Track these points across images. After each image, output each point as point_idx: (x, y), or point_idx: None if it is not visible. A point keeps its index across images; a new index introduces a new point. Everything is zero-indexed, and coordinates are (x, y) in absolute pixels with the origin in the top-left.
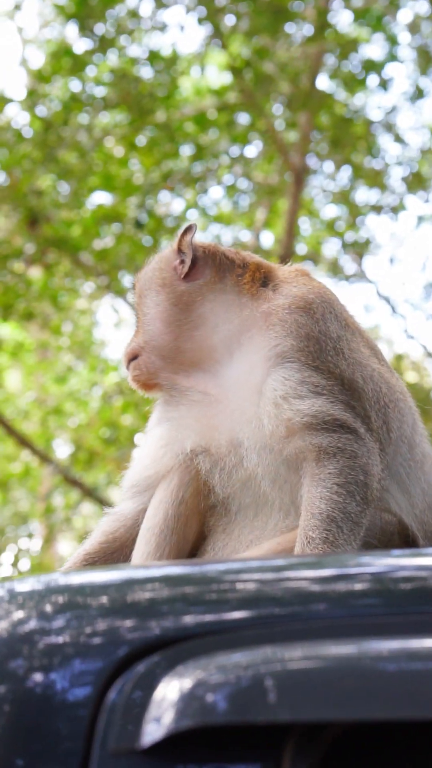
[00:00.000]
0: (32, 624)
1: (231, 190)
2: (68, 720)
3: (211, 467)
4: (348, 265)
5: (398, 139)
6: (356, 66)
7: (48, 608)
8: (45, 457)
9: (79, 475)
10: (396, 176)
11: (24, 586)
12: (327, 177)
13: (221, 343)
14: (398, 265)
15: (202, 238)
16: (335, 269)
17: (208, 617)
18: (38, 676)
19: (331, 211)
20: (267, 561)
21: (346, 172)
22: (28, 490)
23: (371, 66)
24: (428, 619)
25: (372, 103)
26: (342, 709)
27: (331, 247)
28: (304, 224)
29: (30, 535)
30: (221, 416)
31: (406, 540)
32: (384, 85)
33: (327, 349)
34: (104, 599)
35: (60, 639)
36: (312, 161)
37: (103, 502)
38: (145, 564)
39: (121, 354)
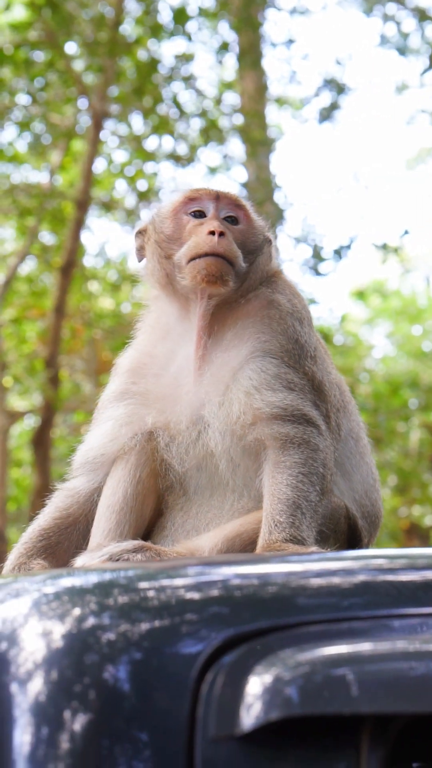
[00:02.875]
0: (120, 618)
1: (24, 127)
2: (167, 708)
3: (169, 442)
4: (144, 213)
5: (194, 89)
6: (163, 14)
7: (131, 603)
8: None
9: None
10: (194, 126)
11: (118, 578)
12: (120, 121)
13: (247, 296)
14: None
15: None
16: (131, 217)
17: (292, 612)
18: (128, 668)
19: (121, 156)
20: (350, 561)
21: (141, 117)
22: None
23: (178, 15)
24: None
25: (171, 52)
26: (417, 702)
27: (120, 191)
28: (96, 169)
29: None
30: (191, 391)
31: (348, 522)
32: (189, 36)
33: (306, 355)
34: (186, 595)
35: (145, 633)
36: (111, 106)
37: None
38: (230, 560)
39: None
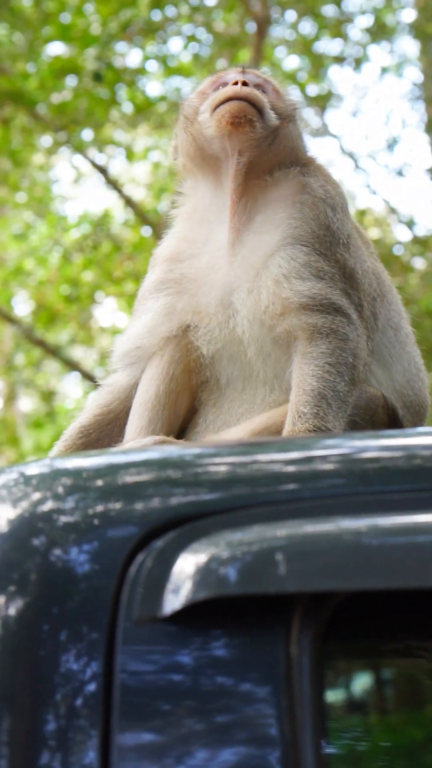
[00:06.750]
0: (59, 503)
1: (190, 40)
2: (94, 591)
3: (197, 325)
4: (311, 119)
5: None
6: None
7: (71, 489)
8: (6, 317)
9: (41, 333)
10: (360, 26)
11: (46, 468)
12: (289, 27)
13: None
14: (361, 118)
15: (161, 90)
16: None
17: (219, 497)
18: (64, 552)
19: (292, 62)
20: (275, 441)
21: (308, 21)
22: None
23: None
24: (421, 496)
25: None
26: (343, 579)
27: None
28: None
29: None
30: (223, 273)
31: (387, 413)
32: None
33: (339, 242)
34: (124, 479)
35: (83, 517)
36: (274, 11)
37: (65, 361)
38: (159, 447)
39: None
